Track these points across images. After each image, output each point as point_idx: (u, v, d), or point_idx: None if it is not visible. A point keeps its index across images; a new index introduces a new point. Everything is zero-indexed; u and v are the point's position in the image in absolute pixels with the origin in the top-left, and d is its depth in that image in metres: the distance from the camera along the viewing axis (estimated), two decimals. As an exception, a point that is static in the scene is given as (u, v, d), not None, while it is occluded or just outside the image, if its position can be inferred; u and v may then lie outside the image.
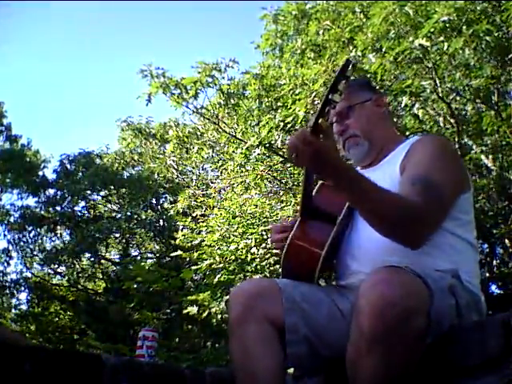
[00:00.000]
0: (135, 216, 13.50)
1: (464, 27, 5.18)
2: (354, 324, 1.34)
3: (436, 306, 1.34)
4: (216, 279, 7.66)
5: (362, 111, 1.82)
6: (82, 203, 14.50)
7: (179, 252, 8.87)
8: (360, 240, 1.67)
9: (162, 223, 13.58)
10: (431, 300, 1.34)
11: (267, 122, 6.65)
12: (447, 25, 5.18)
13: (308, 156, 1.38)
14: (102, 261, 14.99)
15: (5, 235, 14.62)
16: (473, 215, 1.71)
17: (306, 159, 1.40)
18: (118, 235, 14.08)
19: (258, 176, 8.46)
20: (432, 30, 5.12)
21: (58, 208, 14.43)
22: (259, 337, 1.54)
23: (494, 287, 9.08)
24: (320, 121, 1.38)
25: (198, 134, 11.20)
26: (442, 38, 5.29)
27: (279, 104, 6.70)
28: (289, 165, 8.53)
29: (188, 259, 9.22)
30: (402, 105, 6.11)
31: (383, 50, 5.43)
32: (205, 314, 8.02)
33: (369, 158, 1.82)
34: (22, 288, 14.98)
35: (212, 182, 10.71)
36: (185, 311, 8.39)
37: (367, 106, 1.83)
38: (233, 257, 7.64)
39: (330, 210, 1.66)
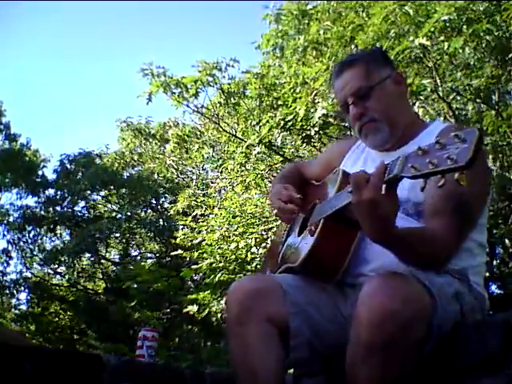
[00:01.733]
0: (135, 216, 13.49)
1: (464, 27, 5.18)
2: (352, 331, 1.32)
3: (439, 315, 1.32)
4: (216, 278, 7.66)
5: (383, 91, 1.62)
6: (82, 203, 14.50)
7: (179, 251, 8.88)
8: (368, 242, 1.62)
9: (162, 223, 13.58)
10: (434, 309, 1.32)
11: (267, 121, 6.64)
12: (447, 24, 5.18)
13: (363, 201, 1.23)
14: (102, 261, 14.99)
15: (4, 235, 14.63)
16: (487, 217, 1.66)
17: (361, 202, 1.24)
18: (118, 235, 14.07)
19: (259, 175, 8.46)
20: (432, 29, 5.11)
21: (58, 208, 14.43)
22: (259, 336, 1.51)
23: (494, 287, 9.08)
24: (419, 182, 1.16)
25: (198, 133, 11.20)
26: (442, 38, 5.29)
27: (280, 103, 6.69)
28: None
29: (188, 259, 9.23)
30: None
31: (384, 49, 5.43)
32: (205, 313, 8.02)
33: (388, 144, 1.65)
34: (22, 288, 14.98)
35: (212, 182, 10.71)
36: (185, 310, 8.39)
37: (387, 84, 1.64)
38: (233, 256, 7.63)
39: (353, 215, 1.63)
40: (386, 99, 1.62)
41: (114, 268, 14.71)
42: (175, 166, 13.15)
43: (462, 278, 1.51)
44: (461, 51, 5.36)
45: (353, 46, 5.83)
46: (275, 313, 1.53)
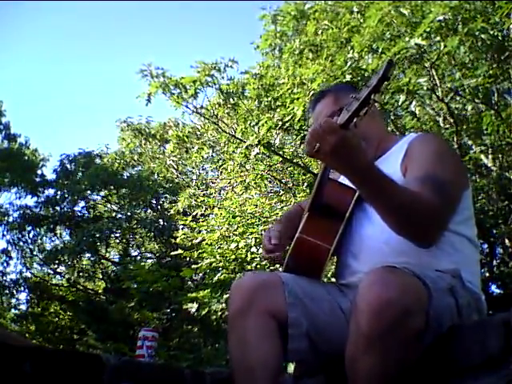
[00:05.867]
0: (135, 216, 13.49)
1: (459, 26, 5.19)
2: (352, 323, 1.34)
3: (434, 306, 1.34)
4: (216, 278, 7.67)
5: None
6: (82, 203, 14.48)
7: (180, 251, 8.88)
8: (361, 239, 1.66)
9: (162, 223, 13.58)
10: (429, 300, 1.34)
11: (266, 121, 6.65)
12: (443, 24, 5.19)
13: (331, 146, 1.32)
14: (102, 261, 14.98)
15: (4, 235, 14.61)
16: (472, 212, 1.71)
17: (329, 149, 1.33)
18: (118, 235, 14.07)
19: (258, 176, 8.46)
20: (428, 29, 5.12)
21: (58, 208, 14.42)
22: (259, 330, 1.54)
23: (493, 287, 9.08)
24: (355, 120, 1.31)
25: (198, 133, 11.20)
26: (438, 38, 5.30)
27: (278, 103, 6.70)
28: (289, 165, 8.53)
29: (188, 259, 9.24)
30: (400, 102, 6.11)
31: (380, 50, 5.44)
32: (204, 312, 8.03)
33: None
34: (22, 288, 14.96)
35: (212, 182, 10.71)
36: (184, 307, 8.41)
37: None
38: (233, 256, 7.64)
39: (336, 206, 1.66)
40: None
41: (114, 268, 14.69)
42: (175, 166, 13.15)
43: (455, 275, 1.53)
44: (457, 50, 5.37)
45: (349, 48, 5.84)
46: (275, 305, 1.56)
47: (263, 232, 1.96)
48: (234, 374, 1.57)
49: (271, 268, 7.29)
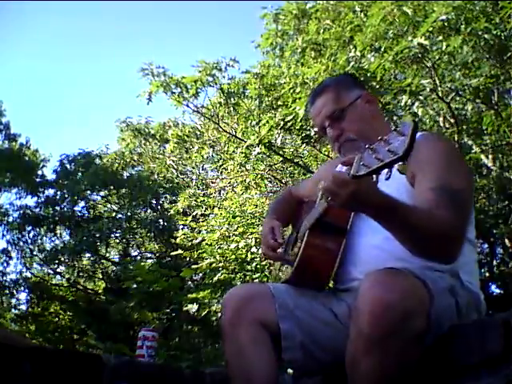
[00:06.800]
0: (135, 216, 13.49)
1: (462, 26, 5.19)
2: (352, 325, 1.34)
3: (436, 307, 1.34)
4: (216, 278, 7.67)
5: (355, 111, 1.74)
6: (82, 203, 14.48)
7: (179, 251, 8.88)
8: (361, 247, 1.66)
9: (162, 223, 13.57)
10: (431, 302, 1.34)
11: (267, 121, 6.64)
12: (445, 24, 5.19)
13: (344, 198, 1.31)
14: (102, 261, 14.97)
15: (4, 235, 14.61)
16: (473, 214, 1.70)
17: (343, 201, 1.32)
18: (118, 235, 14.06)
19: (258, 176, 8.45)
20: (430, 29, 5.12)
21: (58, 208, 14.41)
22: (251, 338, 1.57)
23: (493, 287, 9.08)
24: (373, 177, 1.29)
25: (198, 133, 11.19)
26: (440, 38, 5.30)
27: (279, 103, 6.69)
28: (289, 165, 8.53)
29: (188, 259, 9.23)
30: (402, 103, 6.10)
31: (382, 49, 5.43)
32: (204, 312, 8.03)
33: None
34: (22, 288, 14.95)
35: (212, 182, 10.70)
36: (184, 308, 8.40)
37: (358, 104, 1.76)
38: (233, 256, 7.64)
39: (337, 221, 1.66)
40: (359, 118, 1.74)
41: (114, 268, 14.69)
42: (175, 166, 13.13)
43: (453, 274, 1.53)
44: (459, 50, 5.37)
45: (351, 47, 5.83)
46: (265, 316, 1.59)
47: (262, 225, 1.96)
48: (231, 381, 1.60)
49: (270, 269, 7.29)
